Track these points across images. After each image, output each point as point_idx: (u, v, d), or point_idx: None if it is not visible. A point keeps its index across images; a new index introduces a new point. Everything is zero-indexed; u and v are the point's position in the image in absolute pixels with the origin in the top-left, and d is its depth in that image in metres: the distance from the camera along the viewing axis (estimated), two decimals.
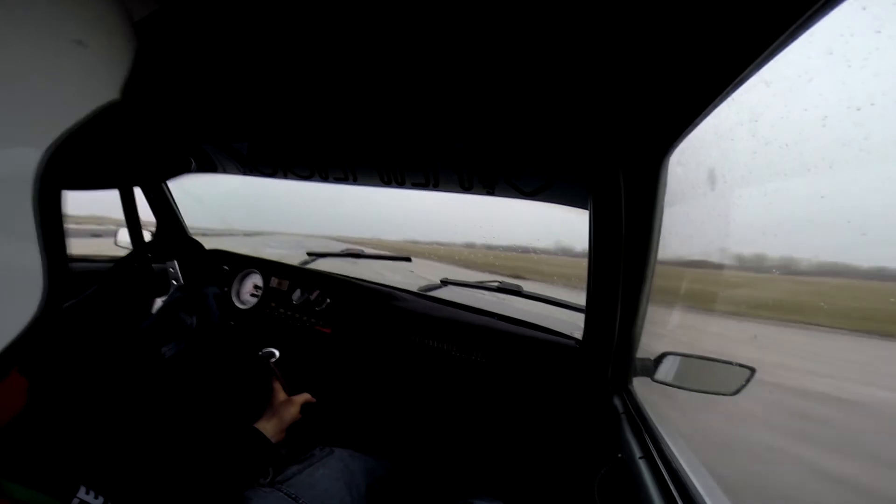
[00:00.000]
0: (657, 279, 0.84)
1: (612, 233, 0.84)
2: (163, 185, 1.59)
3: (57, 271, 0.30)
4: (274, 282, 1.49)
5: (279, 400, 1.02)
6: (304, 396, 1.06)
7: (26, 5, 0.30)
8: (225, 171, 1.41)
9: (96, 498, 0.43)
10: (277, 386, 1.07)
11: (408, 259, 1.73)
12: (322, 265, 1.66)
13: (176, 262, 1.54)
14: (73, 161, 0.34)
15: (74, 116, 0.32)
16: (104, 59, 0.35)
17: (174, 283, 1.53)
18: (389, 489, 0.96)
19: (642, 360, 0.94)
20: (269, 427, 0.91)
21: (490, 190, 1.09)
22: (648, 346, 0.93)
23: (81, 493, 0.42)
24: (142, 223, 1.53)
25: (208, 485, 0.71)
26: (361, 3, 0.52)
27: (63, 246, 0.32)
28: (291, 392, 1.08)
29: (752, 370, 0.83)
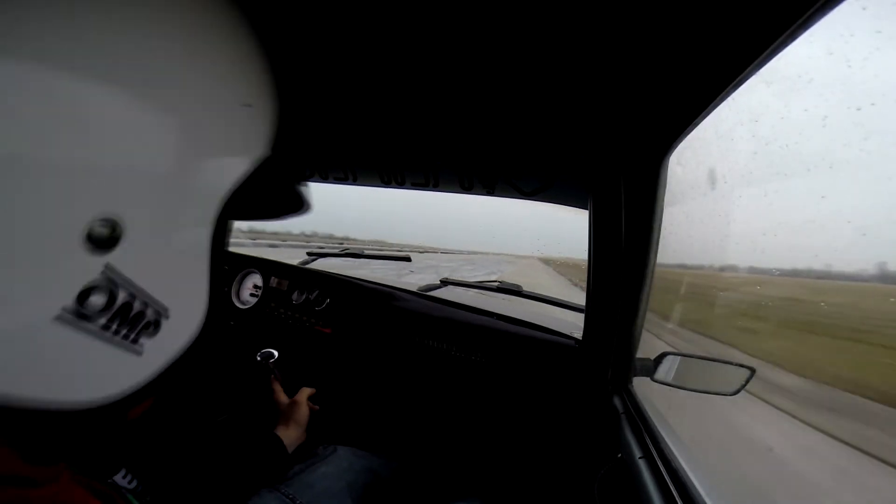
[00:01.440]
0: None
1: (611, 233, 0.84)
2: None
3: (214, 303, 0.37)
4: (273, 282, 1.49)
5: (285, 403, 1.02)
6: (306, 392, 1.06)
7: (215, 74, 0.34)
8: None
9: (131, 482, 0.44)
10: (277, 387, 1.07)
11: (407, 259, 1.73)
12: (322, 265, 1.66)
13: None
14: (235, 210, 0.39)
15: (240, 172, 0.36)
16: (263, 118, 0.40)
17: None
18: (390, 489, 0.96)
19: (642, 360, 0.93)
20: (292, 434, 0.91)
21: (490, 190, 1.09)
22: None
23: (118, 477, 0.43)
24: None
25: (222, 485, 0.72)
26: (362, 3, 0.52)
27: (218, 285, 0.38)
28: (289, 393, 1.07)
29: (752, 370, 0.83)
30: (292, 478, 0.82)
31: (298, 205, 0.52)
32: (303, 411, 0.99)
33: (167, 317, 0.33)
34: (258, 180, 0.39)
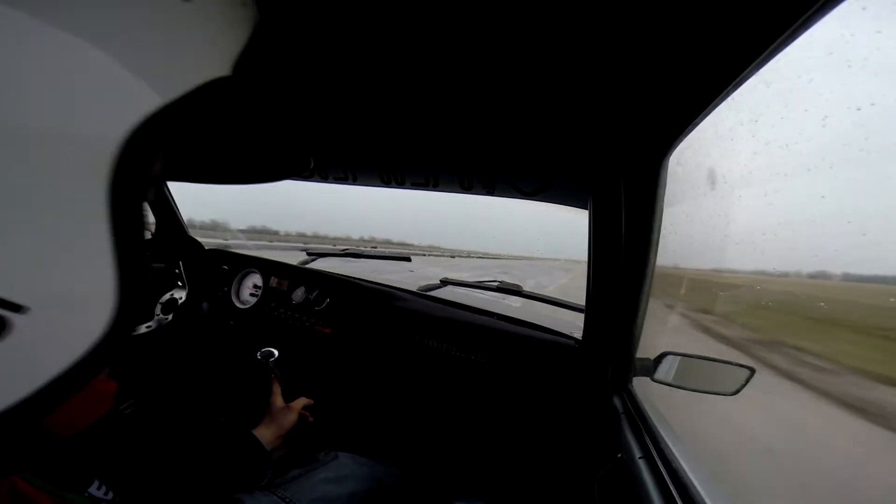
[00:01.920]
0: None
1: (612, 233, 0.84)
2: (162, 183, 1.59)
3: (130, 282, 0.25)
4: (273, 281, 1.49)
5: (277, 406, 1.01)
6: (302, 402, 1.05)
7: None
8: None
9: (106, 494, 0.43)
10: (276, 388, 1.07)
11: (407, 259, 1.73)
12: (321, 265, 1.66)
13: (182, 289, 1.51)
14: (174, 147, 0.28)
15: (168, 92, 0.24)
16: (214, 23, 0.28)
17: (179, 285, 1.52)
18: (392, 496, 0.96)
19: (642, 360, 0.94)
20: (267, 434, 0.90)
21: (490, 190, 1.09)
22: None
23: (93, 488, 0.42)
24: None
25: (201, 487, 0.71)
26: (363, 3, 0.52)
27: (139, 250, 0.26)
28: (289, 392, 1.07)
29: (752, 370, 0.83)
30: (291, 481, 0.82)
31: (288, 160, 0.37)
32: (290, 418, 0.97)
33: (26, 313, 0.23)
34: (203, 117, 0.27)
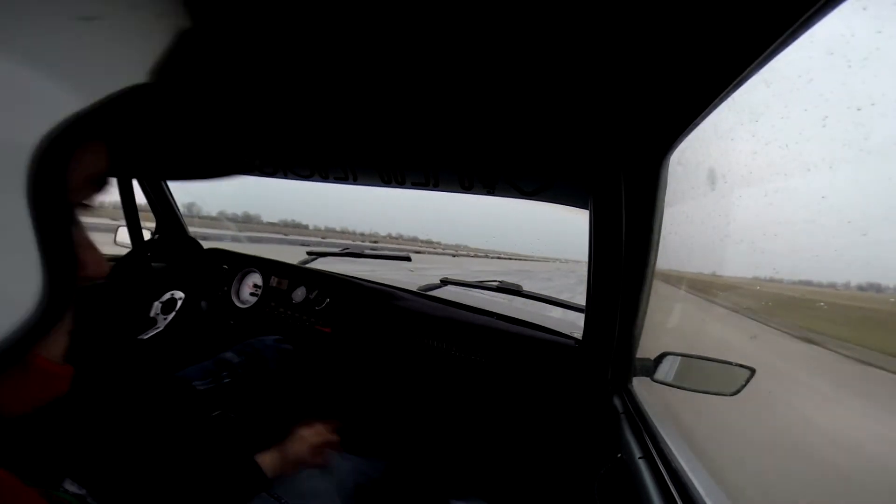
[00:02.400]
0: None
1: (612, 232, 0.84)
2: (162, 182, 1.59)
3: (58, 278, 0.26)
4: (273, 281, 1.49)
5: (297, 433, 0.90)
6: (319, 434, 0.91)
7: None
8: None
9: (80, 489, 0.43)
10: (316, 424, 0.93)
11: (407, 258, 1.73)
12: (321, 264, 1.66)
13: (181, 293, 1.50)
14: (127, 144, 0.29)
15: (86, 98, 0.25)
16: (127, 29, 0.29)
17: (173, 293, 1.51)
18: (382, 489, 0.96)
19: (642, 360, 0.94)
20: (267, 459, 0.82)
21: (490, 190, 1.09)
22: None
23: (67, 484, 0.42)
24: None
25: (183, 496, 0.68)
26: (363, 3, 0.52)
27: (67, 249, 0.27)
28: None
29: (752, 370, 0.83)
30: (278, 479, 0.82)
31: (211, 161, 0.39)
32: (296, 448, 0.86)
33: None
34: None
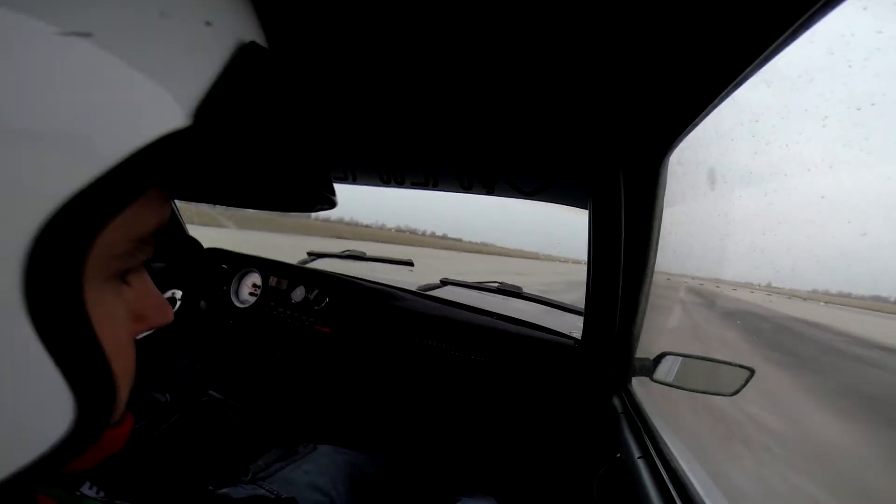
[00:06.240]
0: None
1: (611, 232, 0.84)
2: None
3: (90, 386, 0.22)
4: (273, 281, 1.48)
5: None
6: None
7: None
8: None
9: (98, 493, 0.43)
10: None
11: (410, 263, 1.73)
12: (321, 264, 1.66)
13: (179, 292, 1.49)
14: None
15: (99, 164, 0.18)
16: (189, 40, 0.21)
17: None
18: (379, 484, 0.96)
19: (641, 359, 0.94)
20: None
21: (490, 189, 1.09)
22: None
23: (85, 488, 0.42)
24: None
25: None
26: (362, 3, 0.51)
27: (101, 365, 0.22)
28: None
29: (752, 370, 0.83)
30: (273, 474, 0.82)
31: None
32: None
33: None
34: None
